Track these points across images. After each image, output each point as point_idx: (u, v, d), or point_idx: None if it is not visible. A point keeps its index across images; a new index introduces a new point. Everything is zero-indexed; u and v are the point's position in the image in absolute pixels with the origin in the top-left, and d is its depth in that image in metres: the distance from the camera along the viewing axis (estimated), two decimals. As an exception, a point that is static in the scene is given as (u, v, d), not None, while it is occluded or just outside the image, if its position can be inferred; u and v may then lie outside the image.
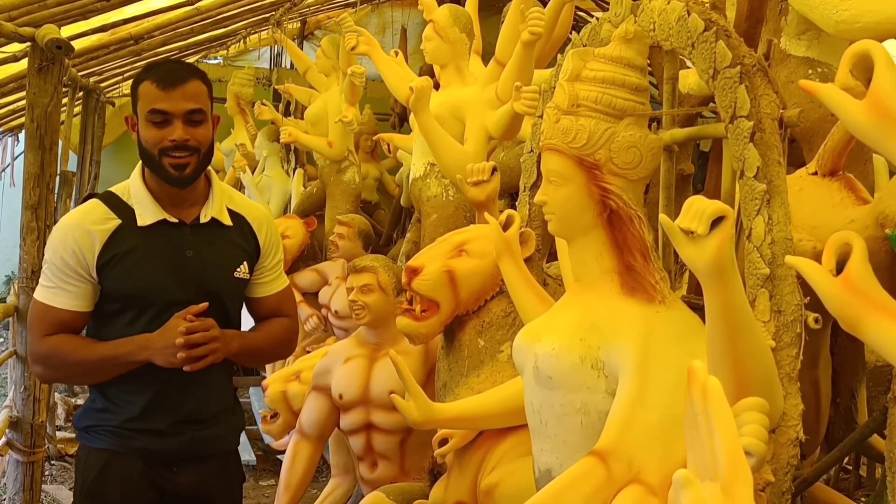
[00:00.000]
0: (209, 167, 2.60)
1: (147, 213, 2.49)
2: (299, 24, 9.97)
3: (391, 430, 3.64)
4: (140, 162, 2.55)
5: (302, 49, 8.70)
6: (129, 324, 2.46)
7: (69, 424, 6.59)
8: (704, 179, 8.53)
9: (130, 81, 8.47)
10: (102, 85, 7.25)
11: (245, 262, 2.61)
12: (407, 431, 3.64)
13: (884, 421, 2.95)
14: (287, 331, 2.75)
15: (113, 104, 9.09)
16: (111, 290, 2.47)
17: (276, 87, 7.96)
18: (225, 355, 2.47)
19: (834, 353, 3.20)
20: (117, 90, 8.20)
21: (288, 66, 10.64)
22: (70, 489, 5.37)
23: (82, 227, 2.45)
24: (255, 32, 7.97)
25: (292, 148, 7.52)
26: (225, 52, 8.92)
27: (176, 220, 2.51)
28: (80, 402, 7.13)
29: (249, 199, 2.81)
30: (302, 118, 7.17)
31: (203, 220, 2.55)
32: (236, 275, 2.59)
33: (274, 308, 2.72)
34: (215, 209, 2.57)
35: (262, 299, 2.71)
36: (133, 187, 2.52)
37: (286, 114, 7.81)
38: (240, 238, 2.61)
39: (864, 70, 1.46)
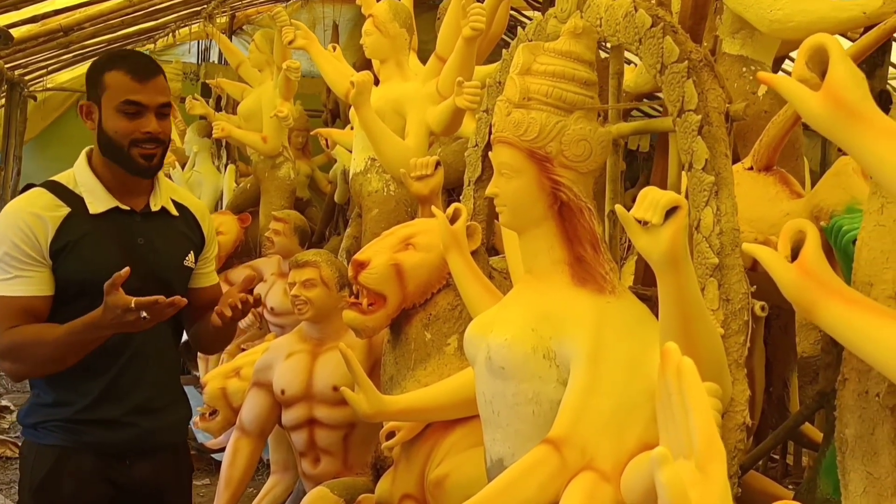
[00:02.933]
0: None
1: (98, 200, 2.49)
2: (228, 19, 9.86)
3: (334, 426, 3.64)
4: (84, 151, 2.55)
5: (230, 43, 8.62)
6: (81, 312, 2.40)
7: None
8: (633, 178, 8.62)
9: (54, 76, 8.30)
10: (27, 78, 7.09)
11: (192, 252, 2.65)
12: (350, 426, 3.64)
13: (816, 409, 3.06)
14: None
15: (34, 98, 8.91)
16: (64, 278, 2.44)
17: (208, 81, 7.87)
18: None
19: (767, 344, 3.29)
20: (40, 84, 8.03)
21: (215, 61, 10.52)
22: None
23: (31, 212, 2.42)
24: (186, 26, 7.86)
25: (223, 143, 7.45)
26: (152, 45, 8.78)
27: (127, 208, 2.52)
28: (5, 402, 6.99)
29: (188, 192, 2.87)
30: (233, 113, 7.10)
31: (154, 208, 2.57)
32: (185, 263, 2.63)
33: (213, 298, 2.73)
34: (163, 199, 2.60)
35: (203, 289, 2.74)
36: (80, 176, 2.51)
37: (217, 109, 7.72)
38: (186, 228, 2.66)
39: (819, 63, 1.52)
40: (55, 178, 2.54)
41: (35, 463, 2.51)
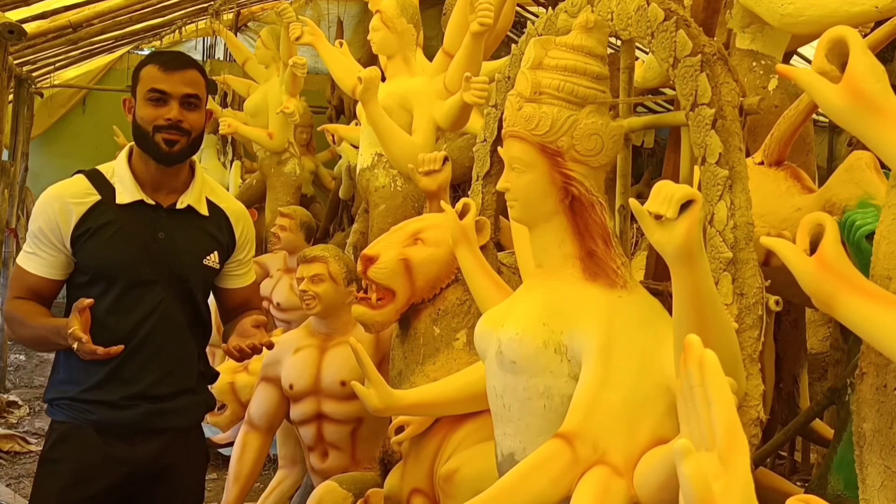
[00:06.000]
0: (194, 158, 2.72)
1: (126, 192, 2.59)
2: (233, 16, 9.88)
3: (342, 420, 3.65)
4: (129, 144, 2.66)
5: (235, 40, 8.63)
6: (97, 297, 2.53)
7: (2, 421, 6.49)
8: (637, 174, 8.57)
9: (61, 72, 8.29)
10: (35, 74, 7.09)
11: (216, 252, 2.70)
12: (358, 421, 3.65)
13: (826, 405, 3.05)
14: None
15: (41, 95, 8.93)
16: (82, 263, 2.57)
17: (214, 78, 7.89)
18: None
19: (777, 340, 3.28)
20: (48, 80, 8.03)
21: (220, 58, 10.54)
22: (6, 485, 5.30)
23: (62, 199, 2.56)
24: (192, 22, 7.88)
25: (229, 140, 7.47)
26: (158, 42, 8.80)
27: (153, 203, 2.61)
28: (13, 398, 7.02)
29: (230, 195, 2.90)
30: (239, 109, 7.12)
31: (179, 206, 2.64)
32: (205, 262, 2.68)
33: (244, 300, 2.84)
34: (193, 198, 2.66)
35: (233, 291, 2.82)
36: (118, 167, 2.63)
37: (223, 105, 7.74)
38: (215, 228, 2.71)
39: (839, 55, 1.51)
40: (99, 167, 2.68)
41: (48, 435, 2.65)
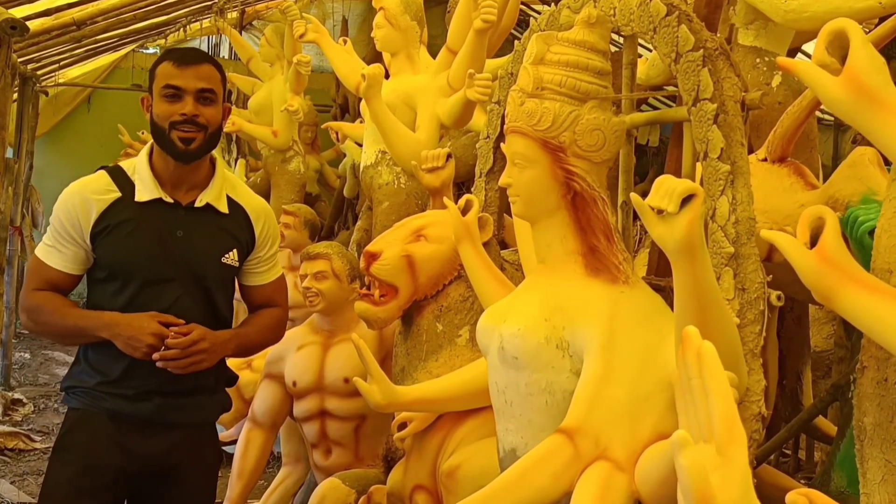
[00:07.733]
0: (215, 155, 2.72)
1: (145, 189, 2.60)
2: (238, 14, 9.89)
3: (345, 417, 3.65)
4: (149, 142, 2.66)
5: (239, 39, 8.64)
6: (114, 293, 2.57)
7: (7, 418, 6.51)
8: (642, 172, 8.54)
9: (66, 70, 8.30)
10: (39, 72, 7.11)
11: (235, 250, 2.69)
12: (361, 418, 3.65)
13: (830, 402, 3.05)
14: (277, 322, 2.84)
15: (46, 93, 8.95)
16: (100, 259, 2.58)
17: (218, 76, 7.89)
18: (214, 363, 2.59)
19: (780, 337, 3.28)
20: (52, 79, 8.05)
21: (225, 56, 10.55)
22: (11, 483, 5.31)
23: (82, 194, 2.58)
24: (197, 21, 7.89)
25: (234, 138, 7.48)
26: (163, 40, 8.81)
27: (171, 201, 2.61)
28: (18, 395, 7.03)
29: (252, 192, 2.87)
30: (243, 108, 7.13)
31: (198, 204, 2.63)
32: (224, 260, 2.67)
33: (267, 297, 2.82)
34: (212, 196, 2.65)
35: (256, 288, 2.81)
36: (139, 164, 2.63)
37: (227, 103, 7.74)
38: (234, 226, 2.70)
39: (839, 48, 1.51)
40: (122, 163, 2.70)
41: (63, 422, 2.67)
